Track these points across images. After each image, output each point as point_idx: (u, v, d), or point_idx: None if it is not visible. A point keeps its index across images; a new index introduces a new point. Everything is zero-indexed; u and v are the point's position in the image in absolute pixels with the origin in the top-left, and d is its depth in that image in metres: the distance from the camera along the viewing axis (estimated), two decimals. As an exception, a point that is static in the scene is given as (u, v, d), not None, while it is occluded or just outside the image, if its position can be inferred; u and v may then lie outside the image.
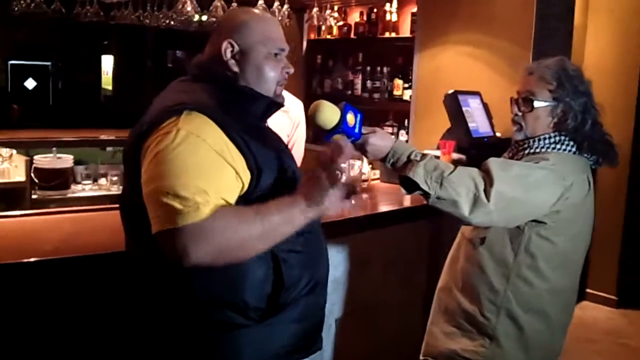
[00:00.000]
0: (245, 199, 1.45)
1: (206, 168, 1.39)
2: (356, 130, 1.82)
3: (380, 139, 1.91)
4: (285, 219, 1.43)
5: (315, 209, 1.46)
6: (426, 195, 1.85)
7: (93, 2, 4.23)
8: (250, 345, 1.50)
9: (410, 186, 1.88)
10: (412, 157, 1.88)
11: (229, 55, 1.59)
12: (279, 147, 1.61)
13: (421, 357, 2.23)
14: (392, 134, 4.46)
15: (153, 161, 1.39)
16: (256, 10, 1.73)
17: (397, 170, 1.92)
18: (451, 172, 1.84)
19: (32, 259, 1.81)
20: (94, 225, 2.35)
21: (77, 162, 3.89)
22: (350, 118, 1.80)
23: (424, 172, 1.84)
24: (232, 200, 1.42)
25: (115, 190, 3.70)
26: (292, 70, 1.68)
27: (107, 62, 8.84)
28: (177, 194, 1.33)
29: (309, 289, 1.58)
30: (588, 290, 4.83)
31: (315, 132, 1.90)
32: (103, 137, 4.40)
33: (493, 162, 1.90)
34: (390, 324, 2.87)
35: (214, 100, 1.52)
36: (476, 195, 1.82)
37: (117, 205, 2.70)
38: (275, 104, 1.66)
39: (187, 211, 1.32)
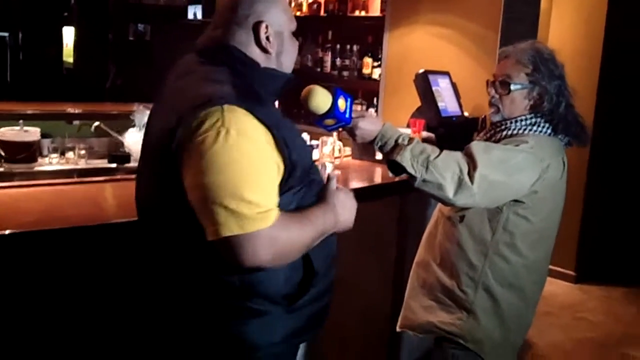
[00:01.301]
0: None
1: (262, 171, 1.38)
2: (347, 115, 1.87)
3: (370, 123, 1.97)
4: (325, 229, 1.53)
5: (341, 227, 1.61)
6: (412, 178, 1.92)
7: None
8: (268, 330, 1.52)
9: (397, 169, 1.94)
10: (400, 141, 1.95)
11: (264, 37, 1.55)
12: (303, 139, 1.62)
13: (398, 329, 2.29)
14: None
15: (204, 163, 1.34)
16: None
17: (385, 154, 1.98)
18: (437, 156, 1.91)
19: (11, 231, 1.77)
20: (73, 198, 2.34)
21: (43, 136, 3.82)
22: (341, 103, 1.83)
23: (410, 156, 1.90)
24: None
25: (83, 164, 3.65)
26: (297, 46, 1.69)
27: (68, 34, 8.64)
28: (243, 198, 1.32)
29: (326, 270, 1.62)
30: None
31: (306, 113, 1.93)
32: (69, 110, 4.33)
33: (476, 146, 1.96)
34: (362, 298, 2.93)
35: (246, 88, 1.47)
36: (460, 179, 1.88)
37: (91, 179, 2.74)
38: (291, 80, 1.65)
39: (257, 217, 1.33)
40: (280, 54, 1.60)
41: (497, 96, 2.11)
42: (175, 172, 1.40)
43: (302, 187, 1.52)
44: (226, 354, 1.53)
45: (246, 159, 1.35)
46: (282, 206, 1.43)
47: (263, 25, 1.55)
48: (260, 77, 1.55)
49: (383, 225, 3.05)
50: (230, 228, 1.32)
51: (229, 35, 1.56)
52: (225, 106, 1.37)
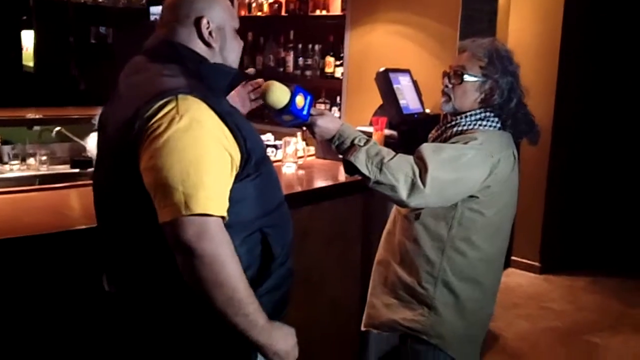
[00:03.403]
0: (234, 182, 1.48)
1: (214, 158, 1.42)
2: (304, 112, 1.91)
3: (328, 122, 2.00)
4: (250, 314, 1.44)
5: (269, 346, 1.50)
6: (366, 178, 1.95)
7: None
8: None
9: (352, 169, 1.96)
10: (356, 141, 1.97)
11: (207, 32, 1.61)
12: (255, 129, 1.63)
13: (363, 328, 2.32)
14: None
15: (158, 148, 1.38)
16: None
17: (341, 153, 2.00)
18: (391, 159, 1.94)
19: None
20: (32, 206, 2.32)
21: (3, 142, 3.77)
22: (299, 100, 1.88)
23: (365, 157, 1.93)
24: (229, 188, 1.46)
25: (45, 169, 3.61)
26: (242, 44, 1.74)
27: (27, 38, 8.51)
28: (195, 181, 1.36)
29: (285, 258, 1.65)
30: (513, 257, 5.07)
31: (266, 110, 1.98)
32: (30, 115, 4.27)
33: (426, 148, 1.99)
34: (329, 296, 2.96)
35: (197, 81, 1.53)
36: (413, 181, 1.92)
37: (53, 185, 2.71)
38: (240, 76, 1.71)
39: (208, 201, 1.36)
40: (224, 49, 1.66)
41: (450, 86, 2.15)
42: (133, 163, 1.44)
43: (258, 175, 1.55)
44: (192, 343, 1.54)
45: (199, 144, 1.40)
46: (241, 194, 1.49)
47: (204, 21, 1.61)
48: (208, 71, 1.61)
49: (347, 223, 3.08)
50: (180, 209, 1.35)
51: (173, 33, 1.62)
52: (180, 96, 1.43)
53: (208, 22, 1.61)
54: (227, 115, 1.48)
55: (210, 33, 1.62)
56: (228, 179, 1.47)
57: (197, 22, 1.61)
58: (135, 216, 1.52)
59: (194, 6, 1.62)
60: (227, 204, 1.43)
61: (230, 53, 1.68)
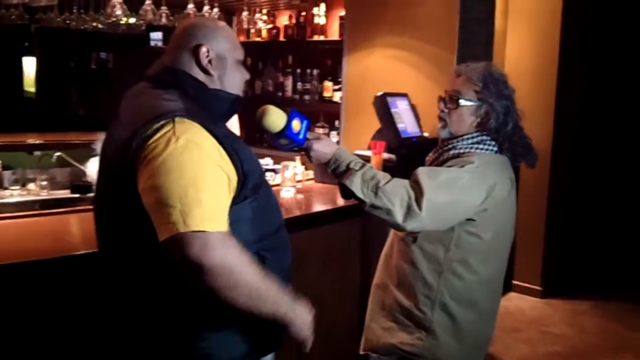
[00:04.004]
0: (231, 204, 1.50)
1: (211, 177, 1.45)
2: (300, 137, 1.94)
3: (325, 146, 2.03)
4: (276, 300, 1.52)
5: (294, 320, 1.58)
6: (362, 202, 1.96)
7: (18, 5, 4.14)
8: (232, 343, 1.58)
9: (348, 193, 1.97)
10: (352, 165, 1.99)
11: (205, 60, 1.65)
12: (252, 152, 1.66)
13: (361, 352, 2.31)
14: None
15: (155, 168, 1.41)
16: (221, 22, 1.83)
17: (337, 177, 2.02)
18: (386, 183, 1.95)
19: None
20: (33, 231, 2.33)
21: (3, 167, 3.79)
22: (295, 124, 1.91)
23: (360, 181, 1.95)
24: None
25: (45, 194, 3.63)
26: (248, 77, 1.79)
27: (29, 64, 8.58)
28: (193, 198, 1.38)
29: (281, 282, 1.63)
30: (514, 281, 5.04)
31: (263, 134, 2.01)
32: (30, 141, 4.30)
33: (421, 173, 2.00)
34: (328, 319, 2.93)
35: (195, 105, 1.56)
36: (409, 205, 1.92)
37: (53, 210, 2.72)
38: (239, 101, 1.73)
39: (206, 217, 1.38)
40: (223, 78, 1.69)
41: (446, 111, 2.16)
42: (131, 184, 1.46)
43: (255, 198, 1.57)
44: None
45: (196, 164, 1.43)
46: (238, 216, 1.50)
47: (204, 49, 1.65)
48: (207, 96, 1.64)
49: (346, 247, 3.08)
50: (178, 226, 1.36)
51: (174, 59, 1.67)
52: (177, 119, 1.46)
53: (208, 51, 1.65)
54: (224, 138, 1.51)
55: (210, 61, 1.66)
56: (226, 197, 1.48)
57: (196, 50, 1.65)
58: (134, 237, 1.54)
59: (196, 34, 1.67)
60: (226, 219, 1.45)
61: (231, 82, 1.71)
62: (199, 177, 1.41)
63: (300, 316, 1.59)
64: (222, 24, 1.80)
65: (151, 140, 1.44)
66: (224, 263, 1.38)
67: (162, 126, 1.45)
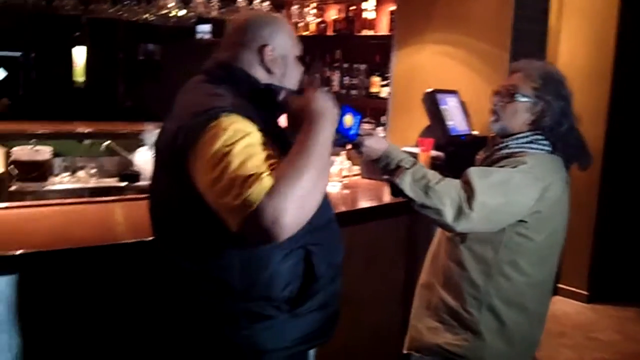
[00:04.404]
0: None
1: (260, 154, 1.40)
2: (352, 132, 1.92)
3: (376, 142, 2.03)
4: (321, 143, 1.45)
5: (331, 121, 1.51)
6: (412, 201, 1.94)
7: (72, -6, 4.20)
8: (275, 334, 1.56)
9: (398, 191, 1.95)
10: (402, 163, 1.98)
11: (270, 60, 1.65)
12: None
13: (405, 351, 2.28)
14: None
15: (208, 163, 1.38)
16: (278, 15, 1.82)
17: (387, 174, 2.00)
18: (437, 182, 1.92)
19: (20, 251, 1.80)
20: (81, 218, 2.35)
21: (54, 154, 3.86)
22: (347, 120, 1.89)
23: (411, 180, 1.93)
24: None
25: (94, 182, 3.68)
26: (302, 70, 1.78)
27: (79, 54, 8.74)
28: (251, 177, 1.32)
29: (331, 278, 1.66)
30: (560, 285, 4.94)
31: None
32: (80, 129, 4.36)
33: (473, 173, 1.96)
34: (371, 318, 2.92)
35: (245, 101, 1.55)
36: (460, 206, 1.89)
37: (101, 198, 2.75)
38: (291, 93, 1.70)
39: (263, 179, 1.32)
40: (284, 75, 1.69)
41: (500, 104, 2.11)
42: (180, 174, 1.46)
43: None
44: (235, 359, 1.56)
45: (248, 148, 1.38)
46: None
47: (268, 48, 1.65)
48: (259, 93, 1.63)
49: (391, 244, 3.05)
50: (250, 203, 1.30)
51: (235, 57, 1.66)
52: (224, 114, 1.44)
53: (272, 50, 1.65)
54: (270, 132, 1.50)
55: (272, 60, 1.65)
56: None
57: (261, 49, 1.64)
58: (186, 225, 1.55)
59: (259, 33, 1.66)
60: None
61: (290, 80, 1.71)
62: (252, 157, 1.37)
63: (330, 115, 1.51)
64: (282, 18, 1.80)
65: (200, 135, 1.42)
66: (297, 208, 1.34)
67: (209, 121, 1.43)
